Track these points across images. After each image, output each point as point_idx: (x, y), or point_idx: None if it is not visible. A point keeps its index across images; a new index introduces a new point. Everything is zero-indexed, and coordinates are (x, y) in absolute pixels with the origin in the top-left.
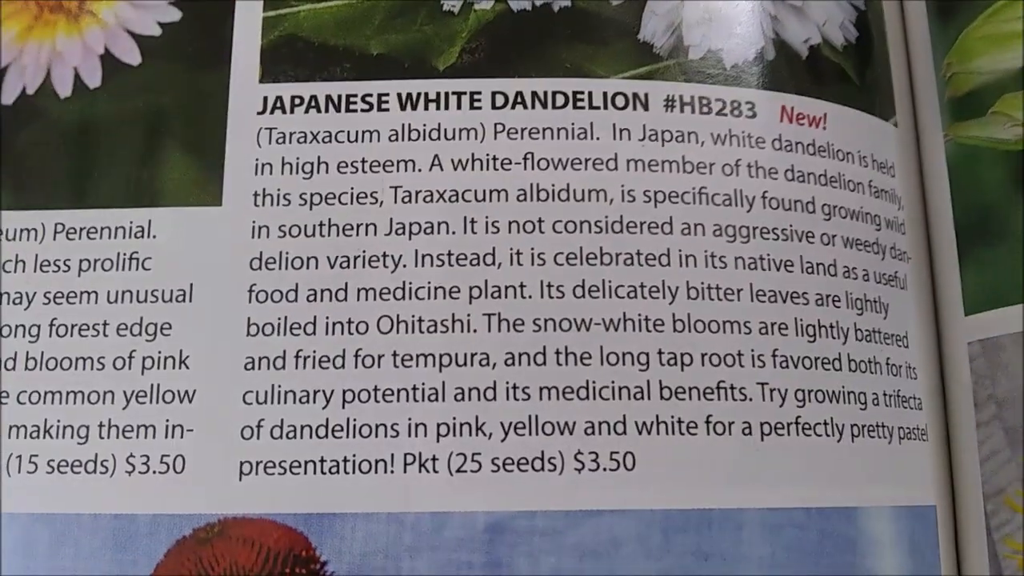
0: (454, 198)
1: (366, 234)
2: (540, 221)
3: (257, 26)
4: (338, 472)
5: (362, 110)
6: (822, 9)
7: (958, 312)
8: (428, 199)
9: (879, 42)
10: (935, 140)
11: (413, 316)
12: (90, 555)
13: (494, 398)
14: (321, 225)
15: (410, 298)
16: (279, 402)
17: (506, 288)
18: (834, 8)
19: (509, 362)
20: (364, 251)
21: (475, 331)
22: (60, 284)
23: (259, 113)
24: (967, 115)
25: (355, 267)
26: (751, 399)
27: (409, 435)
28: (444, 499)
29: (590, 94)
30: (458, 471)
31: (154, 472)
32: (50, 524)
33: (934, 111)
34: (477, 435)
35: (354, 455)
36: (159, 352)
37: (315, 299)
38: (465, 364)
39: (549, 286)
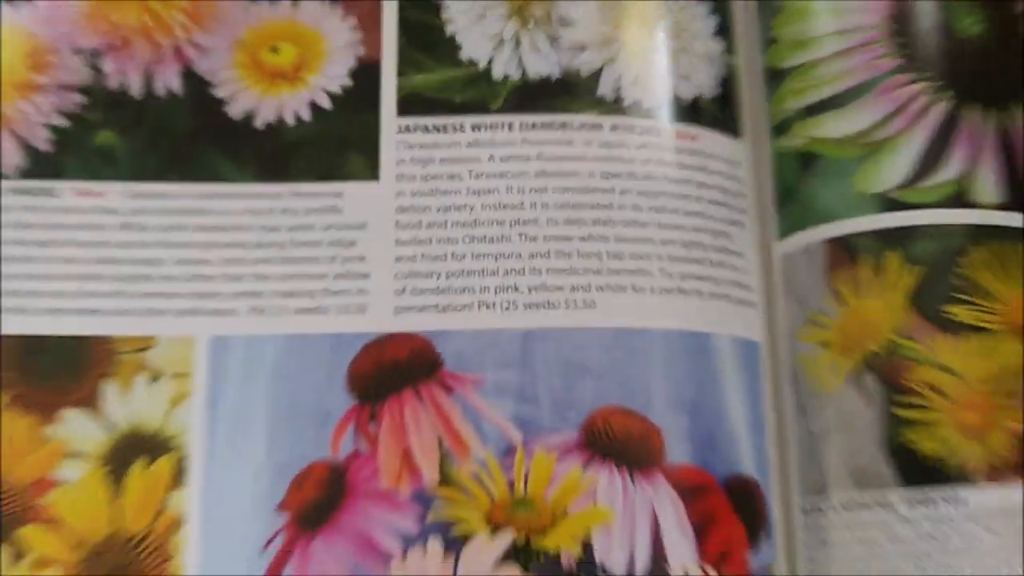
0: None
1: (455, 194)
2: (545, 190)
3: (393, 87)
4: (445, 311)
5: (452, 130)
6: (702, 75)
7: (775, 238)
8: (492, 176)
9: (735, 93)
10: (765, 149)
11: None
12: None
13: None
14: (432, 190)
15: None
16: (414, 276)
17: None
18: (707, 75)
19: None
20: (453, 203)
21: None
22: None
23: (397, 133)
24: (781, 134)
25: (450, 211)
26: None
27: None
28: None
29: (573, 122)
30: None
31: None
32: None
33: (765, 132)
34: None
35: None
36: (350, 254)
37: (430, 225)
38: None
39: (548, 221)
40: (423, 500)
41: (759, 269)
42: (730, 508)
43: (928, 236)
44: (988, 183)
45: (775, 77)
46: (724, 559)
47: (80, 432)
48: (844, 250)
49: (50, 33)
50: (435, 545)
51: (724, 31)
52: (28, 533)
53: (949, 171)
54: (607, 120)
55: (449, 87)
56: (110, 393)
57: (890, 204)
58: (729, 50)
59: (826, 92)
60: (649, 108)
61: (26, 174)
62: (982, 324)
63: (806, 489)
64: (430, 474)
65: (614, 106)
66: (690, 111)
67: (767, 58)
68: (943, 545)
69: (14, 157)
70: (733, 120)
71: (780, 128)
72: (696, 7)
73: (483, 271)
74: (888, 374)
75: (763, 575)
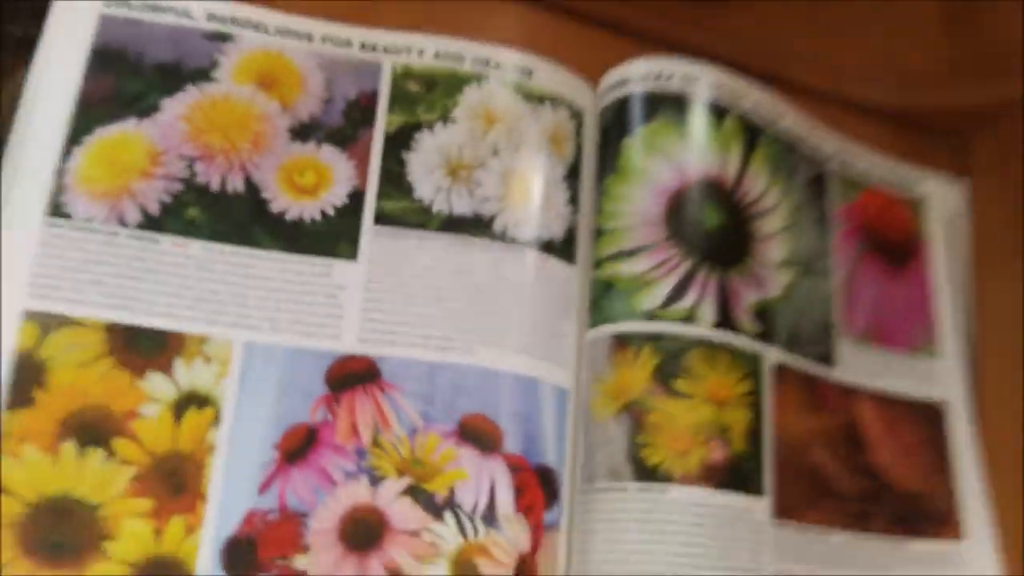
0: (432, 268)
1: (400, 275)
2: (457, 281)
3: (372, 207)
4: (388, 345)
5: (405, 238)
6: (556, 226)
7: (587, 328)
8: (425, 267)
9: (575, 238)
10: (587, 275)
11: None
12: (307, 365)
13: None
14: (388, 272)
15: None
16: (372, 321)
17: None
18: (560, 226)
19: None
20: (399, 280)
21: None
22: None
23: (372, 235)
24: (597, 268)
25: (396, 286)
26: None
27: None
28: None
29: (476, 244)
30: None
31: (329, 339)
32: (295, 351)
33: (589, 264)
34: None
35: None
36: (334, 303)
37: (384, 291)
38: None
39: (457, 297)
40: (360, 453)
41: (576, 345)
42: (536, 482)
43: (668, 338)
44: (707, 312)
45: (598, 233)
46: (529, 511)
47: (158, 387)
48: (621, 341)
49: (165, 143)
50: (364, 480)
51: (574, 199)
52: (119, 443)
53: (685, 303)
54: (496, 245)
55: (405, 212)
56: (179, 366)
57: (650, 317)
58: (575, 211)
59: (623, 247)
60: (523, 241)
61: (140, 226)
62: (692, 393)
63: (583, 478)
64: (366, 438)
65: (502, 238)
66: (547, 246)
67: (596, 220)
68: (654, 515)
69: (134, 215)
70: (571, 255)
71: (597, 264)
72: (559, 183)
73: (413, 323)
74: (635, 416)
75: (553, 524)
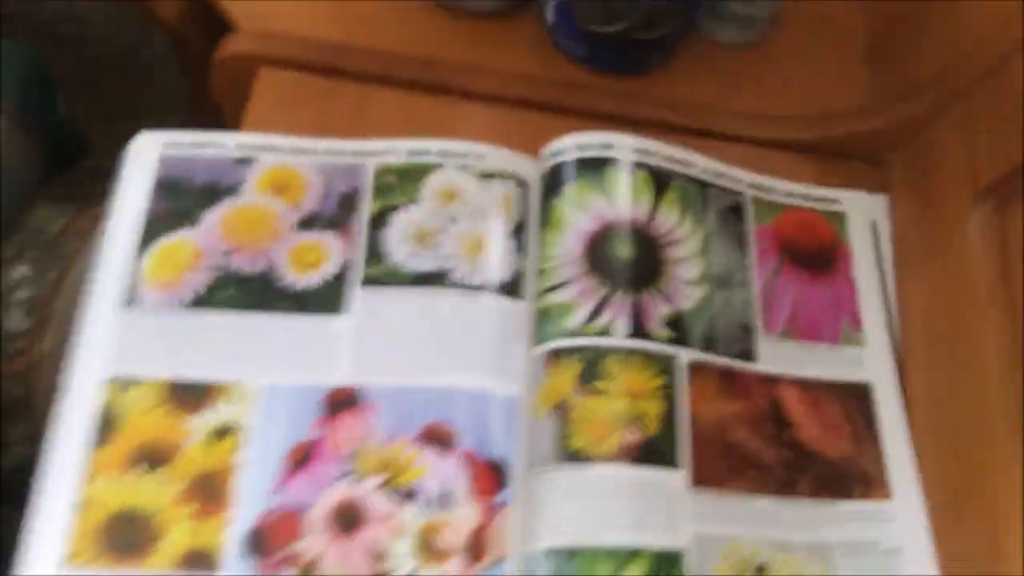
0: (407, 316)
1: (382, 331)
2: (426, 321)
3: (360, 273)
4: (366, 377)
5: (385, 293)
6: (507, 269)
7: (532, 346)
8: (402, 319)
9: (522, 281)
10: (532, 305)
11: None
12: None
13: None
14: (370, 328)
15: None
16: (357, 364)
17: None
18: (508, 270)
19: None
20: (381, 337)
21: None
22: None
23: (361, 297)
24: (537, 299)
25: (377, 341)
26: None
27: None
28: None
29: (442, 293)
30: None
31: (325, 374)
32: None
33: (534, 297)
34: None
35: None
36: (330, 351)
37: (365, 338)
38: None
39: (425, 329)
40: (347, 460)
41: (526, 360)
42: (487, 471)
43: (589, 349)
44: (621, 326)
45: (539, 273)
46: (481, 495)
47: (199, 424)
48: (554, 355)
49: (205, 244)
50: (349, 480)
51: (520, 249)
52: (171, 467)
53: (602, 320)
54: (456, 291)
55: (384, 274)
56: (216, 405)
57: (574, 334)
58: (522, 258)
59: (554, 282)
60: (477, 286)
61: (189, 304)
62: (609, 390)
63: (529, 465)
64: (352, 449)
65: (460, 285)
66: (498, 288)
67: (537, 263)
68: (581, 490)
69: (187, 298)
70: (520, 292)
71: (537, 296)
72: (508, 238)
73: (390, 359)
74: (563, 413)
75: (504, 504)
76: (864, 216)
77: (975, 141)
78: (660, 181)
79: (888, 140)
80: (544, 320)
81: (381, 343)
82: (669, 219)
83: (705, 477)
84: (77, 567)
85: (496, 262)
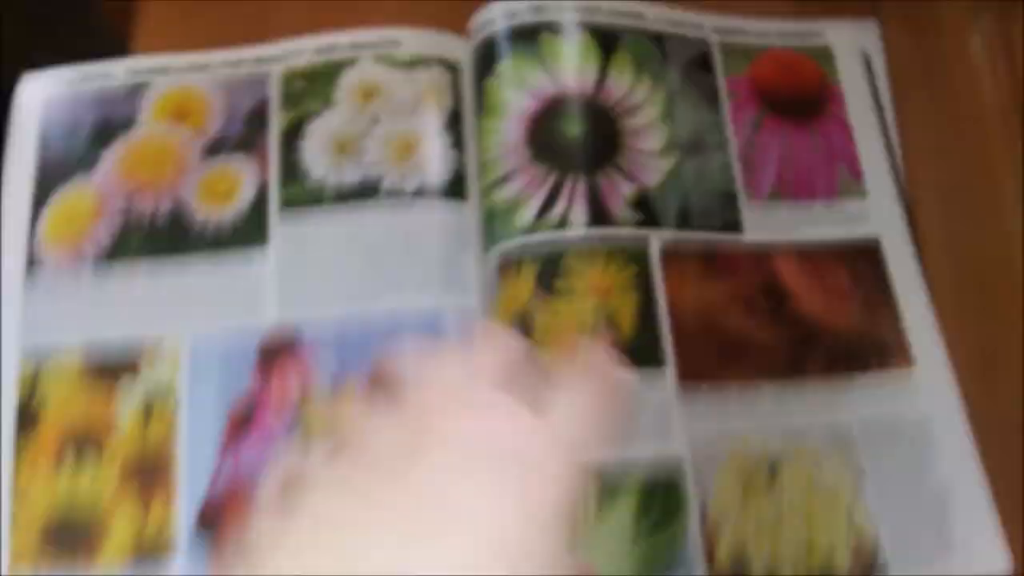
0: (336, 236)
1: (305, 255)
2: (358, 233)
3: (277, 195)
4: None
5: (306, 213)
6: (448, 167)
7: (482, 252)
8: (328, 236)
9: (465, 176)
10: (477, 205)
11: None
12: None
13: None
14: (295, 251)
15: None
16: (287, 294)
17: None
18: (448, 169)
19: None
20: (309, 258)
21: None
22: None
23: (279, 222)
24: (484, 197)
25: (307, 262)
26: None
27: None
28: None
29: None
30: None
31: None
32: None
33: (477, 196)
34: None
35: None
36: (253, 280)
37: (289, 261)
38: None
39: (363, 243)
40: (292, 414)
41: (478, 269)
42: None
43: (545, 247)
44: (579, 215)
45: (481, 168)
46: None
47: (128, 393)
48: (506, 260)
49: (104, 190)
50: (298, 437)
51: (458, 143)
52: (105, 448)
53: (555, 212)
54: (388, 202)
55: (303, 195)
56: (143, 370)
57: (525, 232)
58: (461, 153)
59: (497, 176)
60: (410, 193)
61: (95, 260)
62: (573, 289)
63: None
64: (296, 398)
65: (391, 195)
66: (435, 191)
67: (478, 157)
68: None
69: (91, 254)
70: (462, 192)
71: (482, 195)
72: (441, 133)
73: (322, 289)
74: (524, 324)
75: None
76: (853, 48)
77: None
78: (607, 42)
79: None
80: (492, 220)
81: (310, 273)
82: (622, 84)
83: (695, 372)
84: (24, 568)
85: (432, 163)
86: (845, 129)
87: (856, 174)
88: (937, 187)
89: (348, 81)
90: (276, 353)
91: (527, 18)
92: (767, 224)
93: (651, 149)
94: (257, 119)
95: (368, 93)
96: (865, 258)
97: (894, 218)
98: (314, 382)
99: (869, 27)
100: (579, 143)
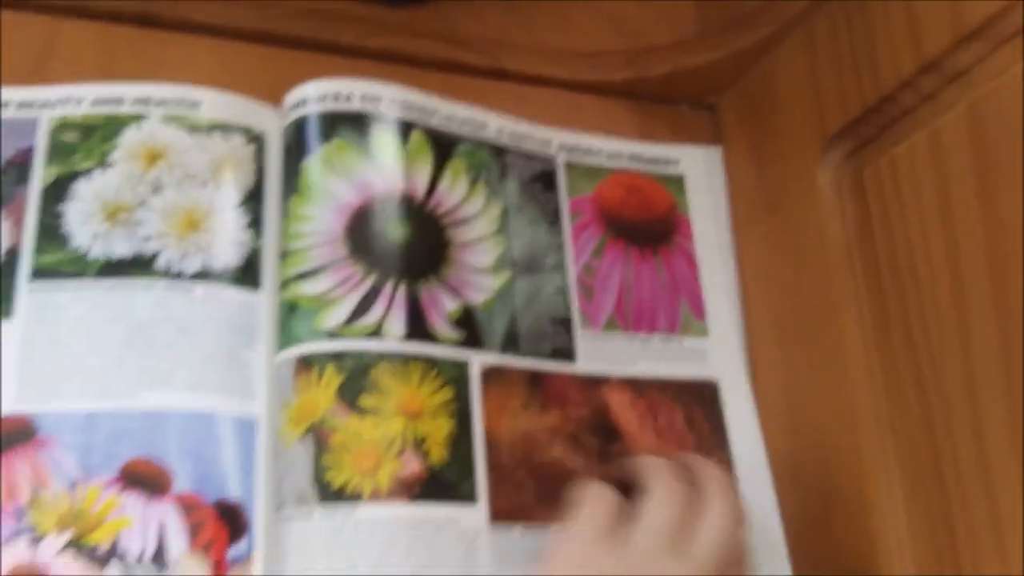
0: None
1: (61, 339)
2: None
3: (29, 261)
4: (45, 402)
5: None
6: (229, 249)
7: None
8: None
9: (257, 263)
10: (275, 298)
11: None
12: None
13: None
14: (51, 327)
15: None
16: (28, 380)
17: None
18: (238, 254)
19: None
20: (63, 336)
21: None
22: None
23: (28, 292)
24: (282, 290)
25: (61, 338)
26: None
27: None
28: None
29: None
30: None
31: None
32: None
33: (276, 288)
34: None
35: None
36: None
37: (47, 345)
38: None
39: (122, 335)
40: (20, 513)
41: (266, 372)
42: (216, 518)
43: (353, 356)
44: (395, 326)
45: (283, 255)
46: (209, 548)
47: None
48: (305, 363)
49: None
50: (25, 539)
51: (255, 223)
52: None
53: (370, 318)
54: (161, 282)
55: (61, 263)
56: None
57: (333, 336)
58: (257, 235)
59: (305, 267)
60: (190, 274)
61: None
62: (379, 408)
63: (273, 506)
64: (26, 497)
65: (166, 274)
66: (220, 275)
67: (281, 242)
68: (342, 537)
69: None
70: (255, 279)
71: (282, 286)
72: (235, 209)
73: (69, 376)
74: (320, 437)
75: (240, 558)
76: (706, 176)
77: (821, 75)
78: (442, 147)
79: (718, 79)
80: (292, 316)
81: (57, 355)
82: (454, 193)
83: (509, 510)
84: None
85: (221, 242)
86: (691, 263)
87: (698, 311)
88: (776, 329)
89: (129, 140)
90: (9, 442)
91: (353, 105)
92: (602, 354)
93: (480, 265)
94: (15, 170)
95: (152, 156)
96: (702, 400)
97: (735, 361)
98: (50, 479)
99: (713, 154)
100: (402, 247)
